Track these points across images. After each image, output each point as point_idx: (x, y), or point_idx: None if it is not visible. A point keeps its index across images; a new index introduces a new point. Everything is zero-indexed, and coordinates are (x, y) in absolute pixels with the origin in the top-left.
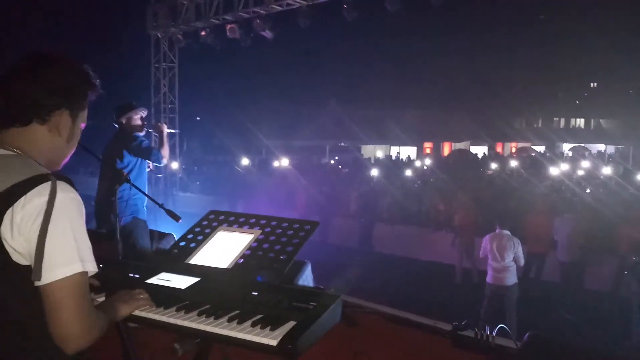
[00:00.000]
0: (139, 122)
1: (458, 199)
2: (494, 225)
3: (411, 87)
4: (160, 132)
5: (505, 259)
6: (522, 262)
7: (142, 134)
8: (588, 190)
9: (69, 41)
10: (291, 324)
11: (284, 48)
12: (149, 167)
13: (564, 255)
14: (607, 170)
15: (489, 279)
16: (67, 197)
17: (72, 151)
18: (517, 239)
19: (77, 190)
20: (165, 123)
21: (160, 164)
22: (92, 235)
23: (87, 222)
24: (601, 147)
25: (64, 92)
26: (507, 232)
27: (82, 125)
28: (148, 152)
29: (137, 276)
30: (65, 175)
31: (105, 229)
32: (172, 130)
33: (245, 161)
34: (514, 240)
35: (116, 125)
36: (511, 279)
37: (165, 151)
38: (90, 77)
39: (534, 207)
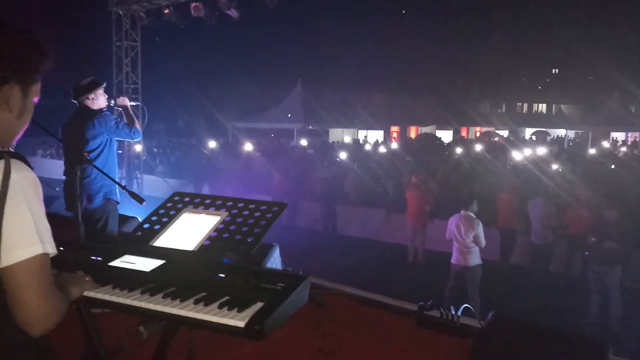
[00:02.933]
0: (104, 100)
1: (411, 181)
2: (459, 207)
3: (379, 71)
4: (125, 107)
5: (466, 240)
6: (482, 243)
7: (106, 111)
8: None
9: (24, 15)
10: (259, 305)
11: (251, 28)
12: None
13: (535, 238)
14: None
15: (453, 259)
16: (22, 176)
17: (25, 127)
18: (478, 221)
19: (32, 168)
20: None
21: (139, 138)
22: (54, 218)
23: (58, 199)
24: (562, 132)
25: (11, 65)
26: (470, 213)
27: (35, 100)
28: (127, 130)
29: (100, 259)
30: (21, 154)
31: (76, 210)
32: (134, 103)
33: (212, 144)
34: (475, 221)
35: (75, 102)
36: (473, 260)
37: (138, 124)
38: (41, 47)
39: (501, 187)
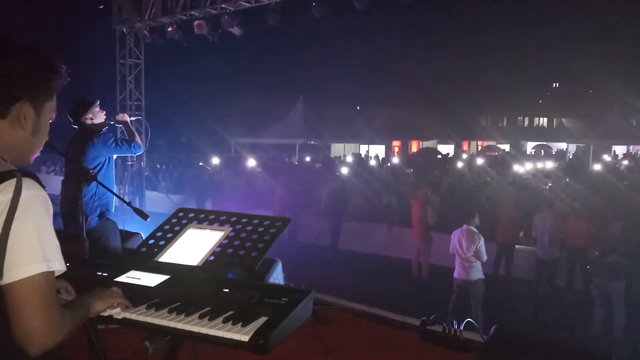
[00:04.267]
0: (102, 117)
1: (415, 194)
2: (461, 221)
3: (380, 86)
4: (125, 123)
5: (467, 254)
6: (483, 257)
7: (106, 128)
8: (549, 185)
9: (27, 34)
10: (263, 319)
11: (253, 45)
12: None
13: (542, 252)
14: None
15: (455, 273)
16: (33, 194)
17: (41, 145)
18: (479, 235)
19: (43, 187)
20: (127, 113)
21: (141, 152)
22: (58, 235)
23: (60, 219)
24: (563, 145)
25: (21, 82)
26: (472, 227)
27: (52, 116)
28: (127, 146)
29: (106, 274)
30: (32, 172)
31: (73, 230)
32: (134, 118)
33: (215, 160)
34: (476, 235)
35: (75, 127)
36: (475, 274)
37: (138, 138)
38: (52, 64)
39: (499, 200)
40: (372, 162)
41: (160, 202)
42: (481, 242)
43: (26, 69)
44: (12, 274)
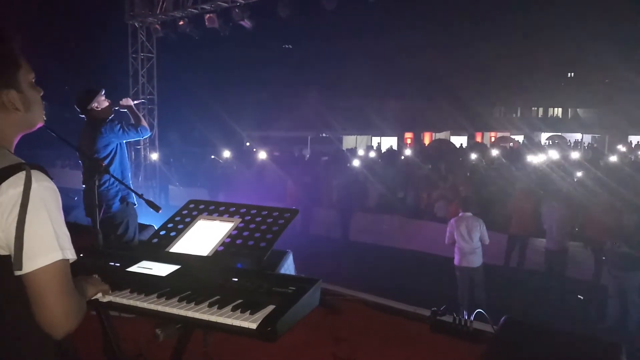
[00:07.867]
0: (107, 104)
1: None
2: (463, 209)
3: (391, 78)
4: (129, 107)
5: (473, 240)
6: (487, 240)
7: (112, 115)
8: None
9: (41, 29)
10: (270, 307)
11: (264, 38)
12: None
13: (551, 243)
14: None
15: (456, 261)
16: (43, 186)
17: (41, 111)
18: (480, 220)
19: (52, 178)
20: (132, 98)
21: (149, 134)
22: (72, 226)
23: (76, 209)
24: (578, 136)
25: None
26: (469, 214)
27: (31, 77)
28: (134, 131)
29: (118, 264)
30: (40, 164)
31: (92, 219)
32: (137, 101)
33: (227, 153)
34: (478, 220)
35: (82, 116)
36: (478, 260)
37: (144, 121)
38: None
39: (517, 191)
40: (373, 154)
41: (173, 195)
42: (484, 226)
43: None
44: (31, 263)
